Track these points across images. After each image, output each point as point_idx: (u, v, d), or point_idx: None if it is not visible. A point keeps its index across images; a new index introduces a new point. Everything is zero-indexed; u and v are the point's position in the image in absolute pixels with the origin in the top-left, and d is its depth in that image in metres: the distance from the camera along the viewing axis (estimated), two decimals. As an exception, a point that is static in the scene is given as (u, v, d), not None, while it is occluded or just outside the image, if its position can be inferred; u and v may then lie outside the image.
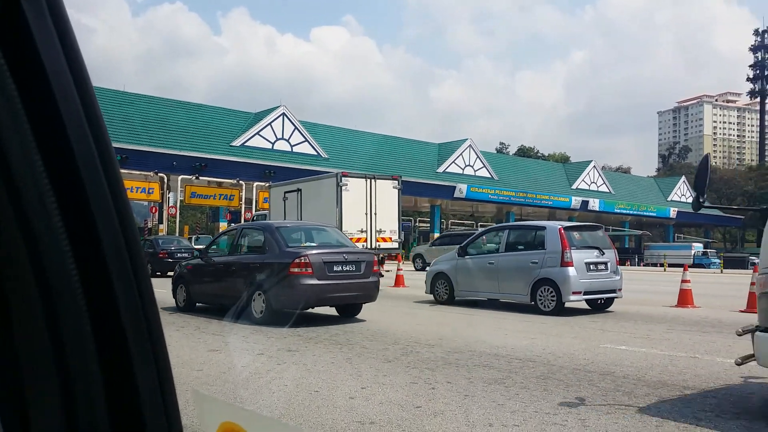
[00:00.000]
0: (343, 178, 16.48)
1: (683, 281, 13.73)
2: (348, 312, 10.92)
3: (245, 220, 28.95)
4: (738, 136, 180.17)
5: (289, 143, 36.76)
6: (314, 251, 10.02)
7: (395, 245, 17.74)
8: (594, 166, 56.98)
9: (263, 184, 26.84)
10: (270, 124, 36.25)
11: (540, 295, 11.70)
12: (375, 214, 16.86)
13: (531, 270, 11.84)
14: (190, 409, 1.21)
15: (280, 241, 10.18)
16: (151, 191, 30.78)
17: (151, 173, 30.49)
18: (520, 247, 12.58)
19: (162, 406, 0.68)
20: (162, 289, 12.72)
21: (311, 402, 5.24)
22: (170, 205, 32.92)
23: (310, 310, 11.05)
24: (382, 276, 17.13)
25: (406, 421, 4.71)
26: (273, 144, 36.11)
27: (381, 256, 17.27)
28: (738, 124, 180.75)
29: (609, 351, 7.74)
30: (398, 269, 18.85)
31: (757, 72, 69.34)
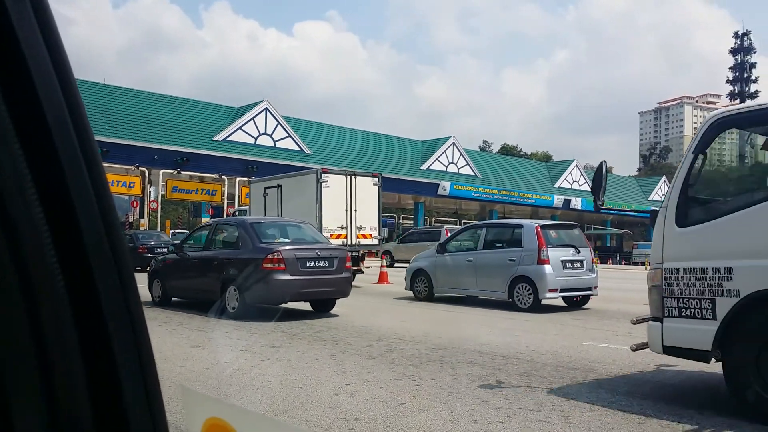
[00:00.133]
0: (323, 175, 16.58)
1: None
2: (322, 307, 11.02)
3: (227, 216, 28.75)
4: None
5: (272, 138, 36.59)
6: (287, 247, 10.21)
7: (375, 242, 17.90)
8: (576, 165, 57.45)
9: (246, 179, 26.70)
10: (253, 119, 36.05)
11: (517, 292, 11.89)
12: (355, 210, 17.01)
13: (508, 267, 12.02)
14: (174, 405, 1.19)
15: (254, 236, 10.30)
16: (132, 185, 30.50)
17: (132, 167, 30.20)
18: (498, 244, 12.78)
19: (146, 402, 0.67)
20: (142, 284, 12.62)
21: (295, 398, 5.22)
22: (151, 199, 32.62)
23: (293, 306, 11.05)
24: (363, 272, 17.26)
25: (391, 418, 4.72)
26: (256, 139, 35.91)
27: (362, 252, 17.34)
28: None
29: (591, 348, 7.81)
30: (381, 266, 18.89)
31: (737, 74, 70.31)
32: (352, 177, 17.21)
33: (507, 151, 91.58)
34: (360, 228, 17.07)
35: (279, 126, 36.97)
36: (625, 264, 49.51)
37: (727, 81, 70.05)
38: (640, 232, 67.15)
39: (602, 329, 9.57)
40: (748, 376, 4.74)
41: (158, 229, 30.58)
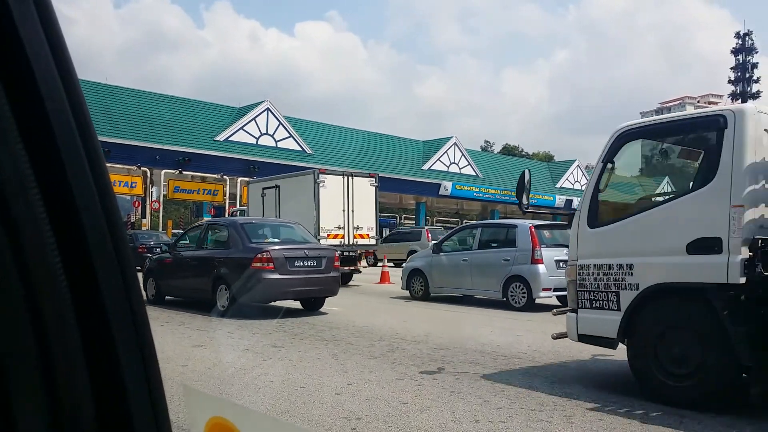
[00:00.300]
0: (320, 175, 16.74)
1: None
2: (311, 306, 11.29)
3: (228, 216, 28.77)
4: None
5: (274, 139, 36.55)
6: (276, 247, 10.50)
7: (373, 242, 18.06)
8: (578, 165, 57.37)
9: (247, 179, 26.69)
10: (254, 119, 36.02)
11: (511, 292, 11.99)
12: (352, 211, 17.16)
13: (503, 267, 12.12)
14: (176, 404, 1.20)
15: (244, 236, 10.61)
16: (134, 185, 30.49)
17: (134, 167, 30.18)
18: (492, 244, 12.88)
19: (149, 402, 0.67)
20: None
21: (297, 398, 5.22)
22: (153, 199, 32.59)
23: (294, 305, 11.07)
24: (360, 272, 17.39)
25: (393, 417, 4.72)
26: (257, 139, 35.87)
27: (359, 252, 17.44)
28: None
29: (592, 348, 7.79)
30: (383, 266, 18.91)
31: (738, 74, 70.16)
32: (349, 177, 17.36)
33: (509, 151, 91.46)
34: (357, 228, 17.21)
35: (280, 126, 36.94)
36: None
37: (729, 81, 69.87)
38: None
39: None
40: (648, 362, 5.29)
41: (160, 229, 30.58)
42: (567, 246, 12.27)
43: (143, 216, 32.35)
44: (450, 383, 5.83)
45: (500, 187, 48.38)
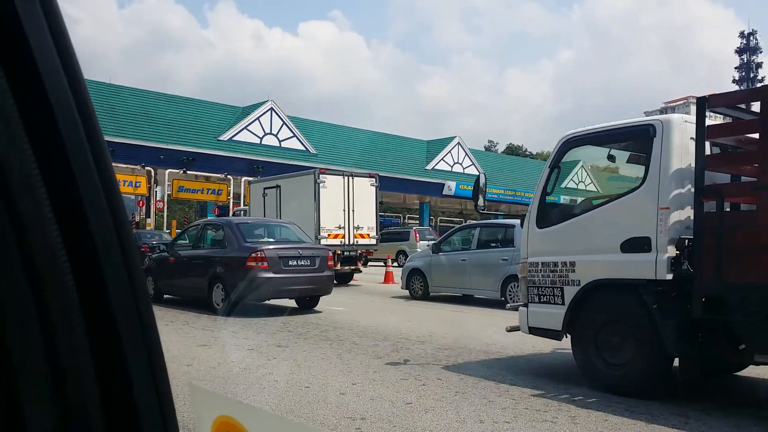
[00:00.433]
0: (320, 176, 16.91)
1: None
2: (307, 305, 11.44)
3: (231, 215, 28.85)
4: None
5: (278, 138, 36.56)
6: (270, 246, 10.69)
7: (373, 241, 18.17)
8: (582, 166, 57.26)
9: (251, 179, 26.71)
10: (258, 118, 36.03)
11: (510, 291, 11.95)
12: (353, 210, 17.31)
13: (501, 267, 12.13)
14: (181, 403, 1.20)
15: (239, 236, 10.82)
16: (138, 185, 30.52)
17: (138, 166, 30.22)
18: (491, 244, 12.93)
19: (157, 401, 0.67)
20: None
21: (302, 398, 5.22)
22: (158, 199, 32.64)
23: (298, 305, 11.09)
24: (360, 272, 17.53)
25: (397, 417, 4.72)
26: (261, 139, 35.88)
27: (360, 252, 17.59)
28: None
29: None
30: (387, 265, 18.94)
31: (743, 74, 69.96)
32: (350, 177, 17.51)
33: (512, 150, 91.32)
34: (358, 228, 17.36)
35: (284, 126, 36.95)
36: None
37: (733, 81, 69.62)
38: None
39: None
40: (589, 352, 5.71)
41: (164, 229, 30.64)
42: None
43: (148, 215, 32.41)
44: (454, 383, 5.83)
45: (504, 187, 48.32)
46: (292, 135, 37.24)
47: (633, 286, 5.44)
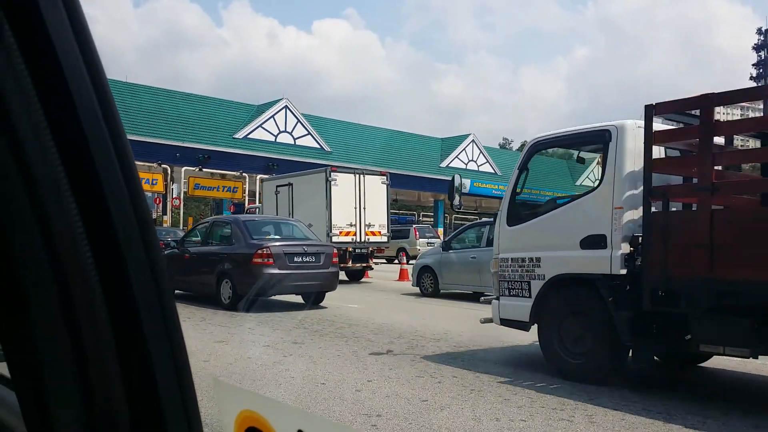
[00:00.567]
0: (332, 174, 17.05)
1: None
2: (312, 300, 11.58)
3: (247, 213, 29.02)
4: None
5: (292, 136, 36.66)
6: (276, 243, 10.98)
7: (384, 239, 18.37)
8: (597, 162, 56.81)
9: (266, 176, 26.82)
10: (273, 116, 36.14)
11: None
12: (364, 208, 17.50)
13: None
14: (199, 398, 1.21)
15: (246, 233, 11.11)
16: (154, 182, 30.76)
17: (155, 164, 30.45)
18: None
19: (180, 395, 0.67)
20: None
21: (318, 394, 5.25)
22: (174, 196, 32.87)
23: (323, 303, 11.13)
24: (372, 269, 17.69)
25: (413, 415, 4.72)
26: (276, 137, 36.00)
27: (371, 249, 17.74)
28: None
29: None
30: (402, 263, 18.98)
31: (761, 71, 68.96)
32: (361, 175, 17.69)
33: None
34: (369, 225, 17.52)
35: (299, 124, 37.05)
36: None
37: (751, 78, 68.64)
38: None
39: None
40: (553, 342, 6.11)
41: (180, 226, 30.84)
42: None
43: (164, 213, 32.63)
44: (470, 381, 5.83)
45: (530, 186, 47.87)
46: (306, 133, 37.32)
47: (591, 280, 5.84)
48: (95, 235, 0.61)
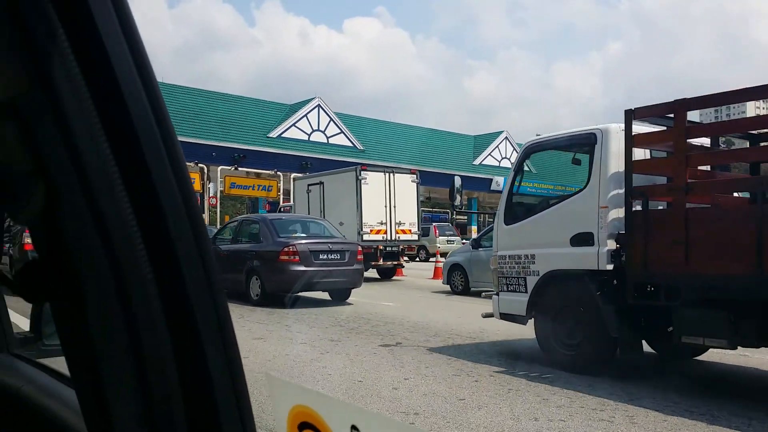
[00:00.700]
0: (362, 172, 17.12)
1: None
2: (338, 297, 11.91)
3: (280, 211, 29.32)
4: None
5: (325, 135, 36.84)
6: (302, 241, 11.25)
7: (415, 237, 18.52)
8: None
9: (300, 175, 27.04)
10: (306, 115, 36.37)
11: None
12: (394, 207, 17.56)
13: None
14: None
15: (273, 231, 11.43)
16: (192, 182, 31.26)
17: (192, 164, 30.92)
18: None
19: (233, 393, 0.67)
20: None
21: (355, 391, 5.27)
22: (211, 195, 33.32)
23: (351, 300, 11.18)
24: (403, 266, 17.88)
25: (450, 413, 4.71)
26: (309, 135, 36.23)
27: (401, 247, 17.87)
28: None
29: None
30: (437, 261, 18.95)
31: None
32: (391, 174, 17.78)
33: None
34: (399, 224, 17.56)
35: (331, 122, 37.21)
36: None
37: (797, 69, 66.59)
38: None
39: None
40: (549, 335, 6.45)
41: (217, 225, 31.29)
42: None
43: (202, 211, 33.09)
44: (507, 380, 5.78)
45: (554, 182, 47.36)
46: (339, 131, 37.46)
47: (581, 275, 6.17)
48: (149, 234, 0.62)
